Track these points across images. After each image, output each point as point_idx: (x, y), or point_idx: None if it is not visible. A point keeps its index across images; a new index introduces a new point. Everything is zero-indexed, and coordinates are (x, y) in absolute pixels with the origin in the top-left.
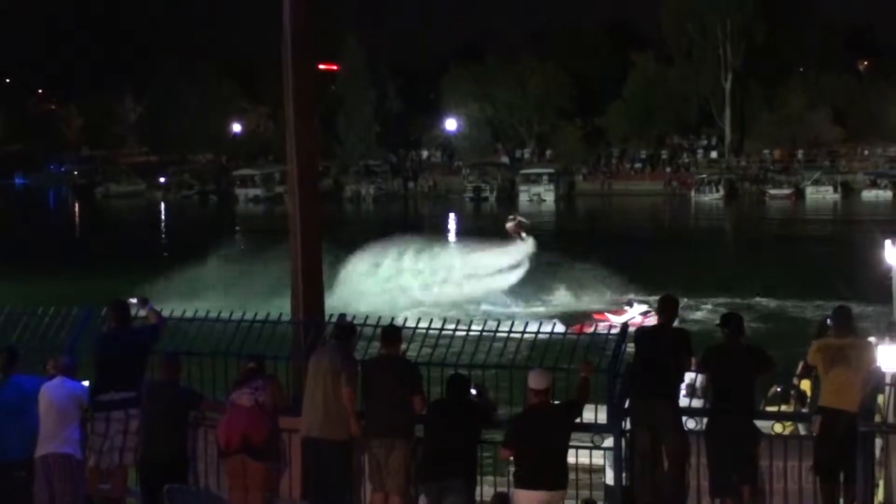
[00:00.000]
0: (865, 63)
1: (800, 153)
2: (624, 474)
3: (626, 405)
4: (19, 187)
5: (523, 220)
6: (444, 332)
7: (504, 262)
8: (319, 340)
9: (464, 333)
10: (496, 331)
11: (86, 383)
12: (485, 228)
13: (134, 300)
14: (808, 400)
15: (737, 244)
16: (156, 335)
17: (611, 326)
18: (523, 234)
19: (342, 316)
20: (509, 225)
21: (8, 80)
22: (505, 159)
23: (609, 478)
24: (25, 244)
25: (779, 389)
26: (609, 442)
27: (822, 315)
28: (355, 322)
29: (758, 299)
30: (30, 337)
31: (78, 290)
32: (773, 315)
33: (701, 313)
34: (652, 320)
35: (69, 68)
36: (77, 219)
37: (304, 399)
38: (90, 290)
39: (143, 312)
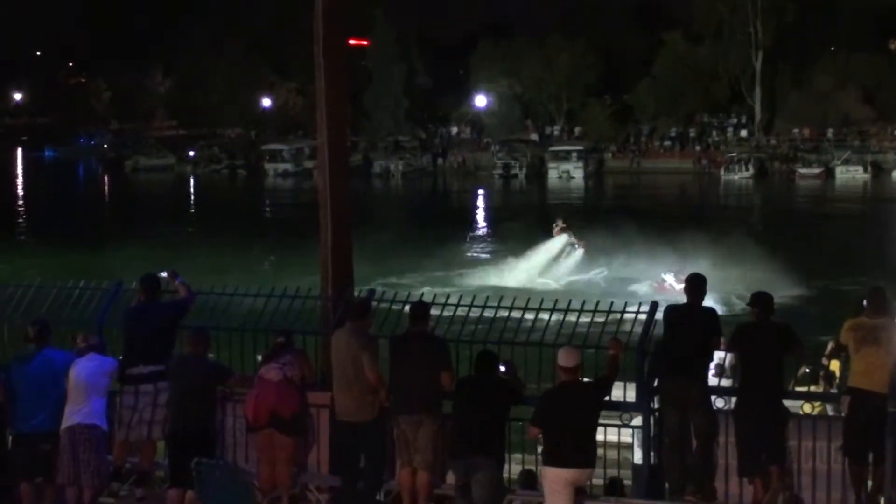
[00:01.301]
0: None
1: (830, 132)
2: (652, 453)
3: (655, 384)
4: (49, 160)
5: (566, 227)
6: (473, 308)
7: (552, 254)
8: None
9: (493, 310)
10: (526, 307)
11: (115, 360)
12: (514, 207)
13: (164, 273)
14: (837, 380)
15: (765, 222)
16: (185, 309)
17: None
18: (574, 241)
19: (370, 292)
20: (557, 230)
21: (38, 53)
22: (534, 136)
23: (637, 457)
24: (55, 217)
25: (808, 370)
26: (638, 420)
27: (857, 295)
28: (373, 297)
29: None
30: (59, 310)
31: (107, 263)
32: (801, 295)
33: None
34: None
35: (99, 41)
36: (106, 192)
37: (333, 382)
38: (119, 263)
39: (174, 286)
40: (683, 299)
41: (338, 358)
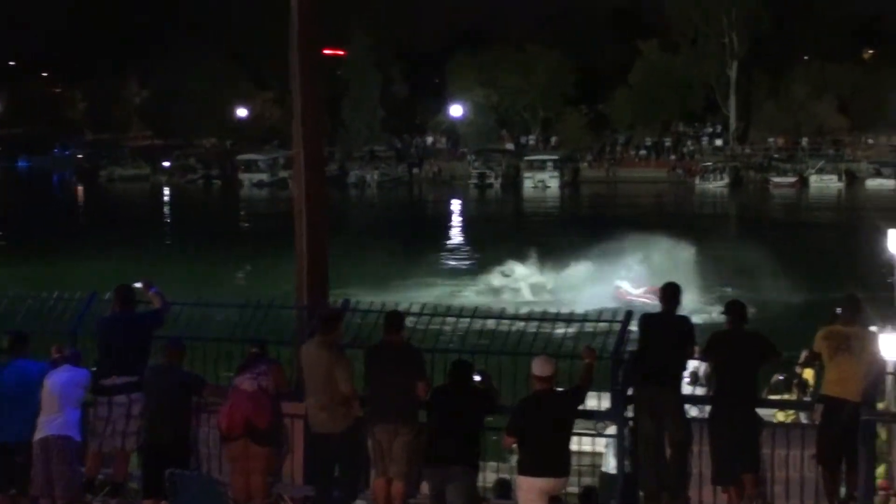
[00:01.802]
0: (871, 52)
1: (804, 141)
2: (626, 461)
3: (630, 392)
4: (23, 170)
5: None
6: (447, 319)
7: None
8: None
9: (468, 320)
10: (499, 317)
11: (90, 371)
12: (489, 217)
13: (139, 284)
14: (811, 389)
15: (740, 231)
16: (159, 319)
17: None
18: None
19: (345, 302)
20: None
21: (12, 63)
22: (510, 146)
23: (611, 466)
24: (30, 228)
25: (781, 378)
26: (612, 429)
27: (831, 304)
28: (348, 307)
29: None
30: (33, 321)
31: (81, 274)
32: (775, 303)
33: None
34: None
35: (74, 51)
36: (81, 202)
37: (306, 394)
38: (94, 274)
39: (148, 296)
40: (642, 305)
41: (310, 370)
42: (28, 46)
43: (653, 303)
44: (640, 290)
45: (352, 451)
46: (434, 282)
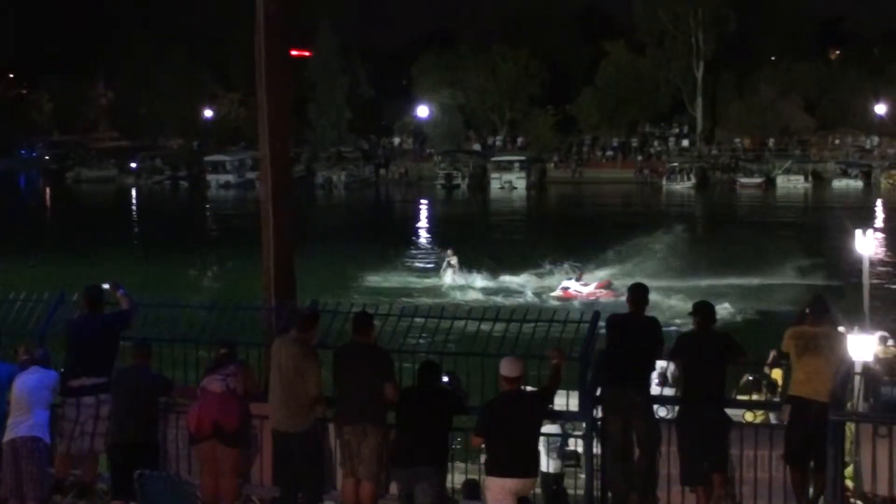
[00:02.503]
0: (837, 52)
1: (771, 142)
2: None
3: (598, 393)
4: None
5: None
6: (415, 319)
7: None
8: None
9: (436, 320)
10: (468, 318)
11: (58, 372)
12: (457, 216)
13: (106, 285)
14: (780, 389)
15: (706, 231)
16: (127, 320)
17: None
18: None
19: (314, 303)
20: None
21: None
22: (477, 146)
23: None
24: None
25: (751, 378)
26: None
27: (799, 304)
28: (324, 309)
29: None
30: (0, 323)
31: (49, 275)
32: (743, 304)
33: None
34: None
35: (39, 52)
36: (48, 204)
37: (269, 390)
38: (61, 275)
39: (116, 297)
40: (592, 301)
41: (279, 366)
42: None
43: (606, 299)
44: (590, 288)
45: (313, 450)
46: (396, 279)
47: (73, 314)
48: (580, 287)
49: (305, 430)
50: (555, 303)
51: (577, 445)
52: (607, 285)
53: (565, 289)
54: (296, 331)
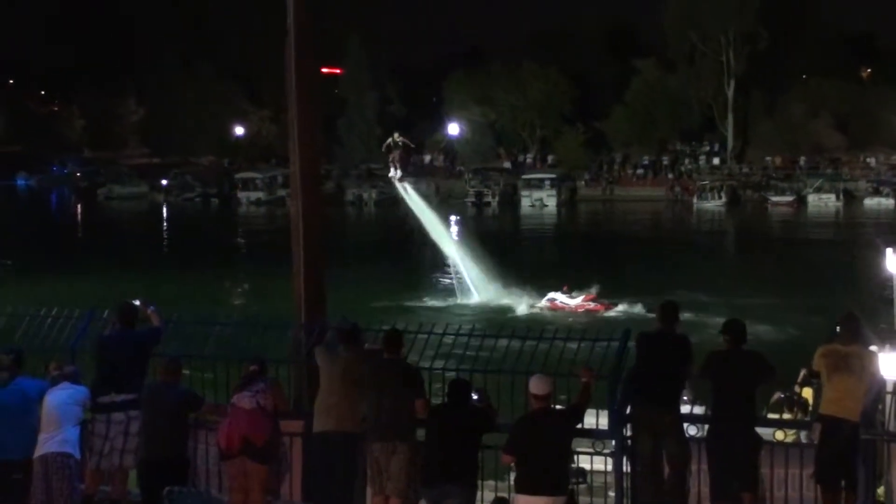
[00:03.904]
0: (868, 70)
1: (802, 160)
2: (625, 480)
3: (628, 411)
4: (21, 188)
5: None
6: (446, 336)
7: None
8: (322, 342)
9: (465, 339)
10: (498, 335)
11: (88, 388)
12: (486, 235)
13: (137, 302)
14: (810, 408)
15: (738, 250)
16: (157, 337)
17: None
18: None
19: (343, 319)
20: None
21: (11, 81)
22: (507, 164)
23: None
24: (28, 245)
25: (782, 396)
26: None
27: (830, 322)
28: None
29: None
30: (32, 338)
31: (80, 292)
32: (775, 322)
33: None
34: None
35: (71, 69)
36: (79, 220)
37: (318, 399)
38: (92, 292)
39: (147, 315)
40: (579, 315)
41: (331, 378)
42: (26, 65)
43: (596, 311)
44: (578, 300)
45: (353, 457)
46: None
47: (104, 330)
48: (566, 299)
49: (351, 432)
50: (547, 313)
51: (580, 462)
52: (594, 298)
53: (552, 300)
54: (347, 345)
